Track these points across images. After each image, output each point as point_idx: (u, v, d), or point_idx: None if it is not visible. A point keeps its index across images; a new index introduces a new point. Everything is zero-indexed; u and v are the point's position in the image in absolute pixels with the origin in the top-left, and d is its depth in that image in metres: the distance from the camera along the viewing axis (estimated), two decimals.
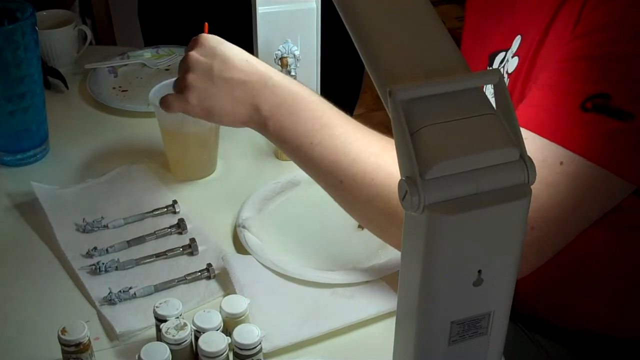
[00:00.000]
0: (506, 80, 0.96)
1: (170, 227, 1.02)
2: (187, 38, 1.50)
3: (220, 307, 0.84)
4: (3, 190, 1.10)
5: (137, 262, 0.97)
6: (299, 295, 0.92)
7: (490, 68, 1.00)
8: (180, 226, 1.02)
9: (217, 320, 0.82)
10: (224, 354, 0.78)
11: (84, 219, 1.02)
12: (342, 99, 1.71)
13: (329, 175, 0.89)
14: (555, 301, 1.00)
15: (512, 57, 0.96)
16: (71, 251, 0.98)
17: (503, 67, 0.98)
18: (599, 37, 0.82)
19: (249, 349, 0.79)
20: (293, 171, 1.13)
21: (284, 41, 1.11)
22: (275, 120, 0.91)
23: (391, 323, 0.68)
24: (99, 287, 0.93)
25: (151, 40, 1.71)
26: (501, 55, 0.99)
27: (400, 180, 0.57)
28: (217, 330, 0.81)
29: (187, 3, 1.65)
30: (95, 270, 0.95)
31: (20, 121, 1.13)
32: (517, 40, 0.96)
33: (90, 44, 1.46)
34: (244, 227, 1.00)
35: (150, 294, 0.92)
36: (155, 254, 0.98)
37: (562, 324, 1.01)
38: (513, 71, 0.95)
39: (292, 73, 1.11)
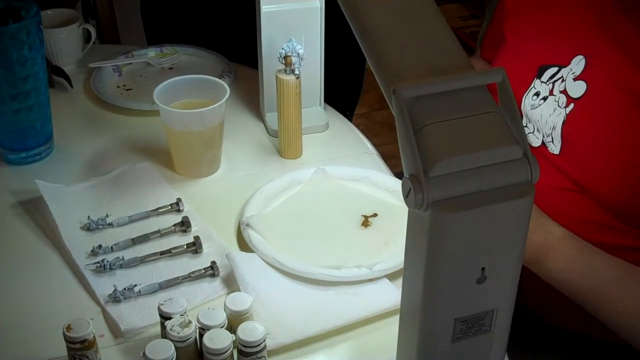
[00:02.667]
0: (563, 99, 0.95)
1: (174, 225, 1.03)
2: (190, 37, 1.51)
3: (225, 304, 0.84)
4: (8, 189, 1.11)
5: (142, 260, 0.97)
6: (303, 293, 0.93)
7: (538, 80, 0.99)
8: (185, 224, 1.02)
9: (221, 317, 0.82)
10: (229, 351, 0.79)
11: (88, 217, 1.03)
12: (344, 98, 1.72)
13: None
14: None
15: (575, 79, 0.95)
16: (76, 249, 0.99)
17: (554, 83, 0.98)
18: None
19: (253, 346, 0.79)
20: (296, 169, 1.13)
21: (287, 40, 1.11)
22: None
23: (395, 320, 0.68)
24: (103, 285, 0.93)
25: (154, 38, 1.72)
26: (552, 70, 0.99)
27: (404, 178, 0.57)
28: (222, 327, 0.81)
29: (191, 2, 1.65)
30: (100, 268, 0.95)
31: (25, 119, 1.14)
32: (580, 62, 0.95)
33: (95, 42, 1.46)
34: (248, 225, 1.00)
35: (155, 291, 0.93)
36: (159, 252, 0.98)
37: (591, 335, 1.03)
38: (581, 97, 0.94)
39: (296, 72, 1.11)
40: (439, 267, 0.58)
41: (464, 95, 0.59)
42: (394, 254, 0.96)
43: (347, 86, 1.78)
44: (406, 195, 0.57)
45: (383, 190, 1.09)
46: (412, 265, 0.61)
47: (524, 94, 1.01)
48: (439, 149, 0.56)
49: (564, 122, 0.95)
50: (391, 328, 0.86)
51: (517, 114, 0.58)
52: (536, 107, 0.98)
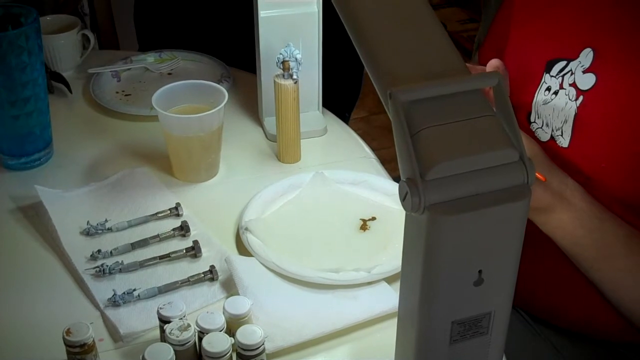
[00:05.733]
0: (573, 92, 0.96)
1: (173, 230, 1.03)
2: (188, 42, 1.52)
3: (224, 308, 0.85)
4: (7, 194, 1.11)
5: (141, 264, 0.97)
6: (301, 296, 0.93)
7: (548, 75, 1.00)
8: (184, 229, 1.03)
9: (220, 321, 0.82)
10: (228, 355, 0.79)
11: (88, 222, 1.03)
12: (343, 101, 1.73)
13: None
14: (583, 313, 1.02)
15: (585, 72, 0.95)
16: (75, 254, 0.99)
17: (563, 76, 0.98)
18: None
19: (252, 350, 0.79)
20: (295, 173, 1.14)
21: (285, 45, 1.12)
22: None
23: (393, 323, 0.68)
24: (103, 289, 0.94)
25: (148, 45, 1.71)
26: (561, 63, 0.99)
27: (401, 182, 0.57)
28: (221, 331, 0.82)
29: (188, 7, 1.65)
30: (100, 273, 0.95)
31: (25, 125, 1.14)
32: (588, 55, 0.96)
33: (94, 48, 1.46)
34: (246, 229, 1.00)
35: (154, 295, 0.93)
36: (158, 257, 0.98)
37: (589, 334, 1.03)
38: (590, 89, 0.95)
39: (294, 77, 1.12)
40: (436, 270, 0.59)
41: (460, 99, 0.59)
42: (393, 257, 0.96)
43: (346, 89, 1.78)
44: (403, 199, 0.57)
45: (381, 193, 1.10)
46: (409, 268, 0.61)
47: (536, 90, 1.02)
48: (436, 152, 0.57)
49: (575, 114, 0.96)
50: (389, 331, 0.86)
51: (512, 118, 0.59)
52: (548, 102, 0.99)
